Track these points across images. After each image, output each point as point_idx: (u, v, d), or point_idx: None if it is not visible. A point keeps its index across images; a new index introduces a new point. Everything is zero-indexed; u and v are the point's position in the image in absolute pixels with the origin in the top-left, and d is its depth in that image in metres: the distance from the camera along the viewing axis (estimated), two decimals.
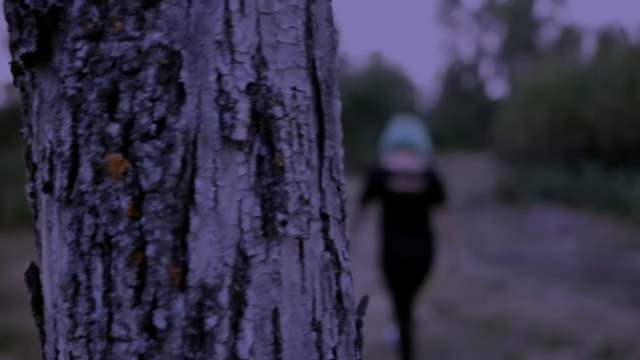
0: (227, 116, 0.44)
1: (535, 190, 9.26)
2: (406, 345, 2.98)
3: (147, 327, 0.43)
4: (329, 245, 0.50)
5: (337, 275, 0.50)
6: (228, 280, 0.44)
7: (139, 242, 0.43)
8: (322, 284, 0.49)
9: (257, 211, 0.45)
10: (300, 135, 0.47)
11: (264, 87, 0.46)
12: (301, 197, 0.47)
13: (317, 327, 0.48)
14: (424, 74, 58.00)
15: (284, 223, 0.45)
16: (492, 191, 10.53)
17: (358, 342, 0.54)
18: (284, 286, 0.46)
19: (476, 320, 4.15)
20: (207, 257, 0.43)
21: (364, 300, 0.55)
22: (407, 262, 2.94)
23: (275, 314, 0.45)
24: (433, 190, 2.91)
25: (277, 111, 0.46)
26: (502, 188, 10.28)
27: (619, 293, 4.82)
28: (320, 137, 0.50)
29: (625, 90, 9.20)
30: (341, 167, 0.53)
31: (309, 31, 0.49)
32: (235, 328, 0.44)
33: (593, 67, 10.48)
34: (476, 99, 21.55)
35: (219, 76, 0.44)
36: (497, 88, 29.38)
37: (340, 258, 0.51)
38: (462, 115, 19.97)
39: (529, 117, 10.79)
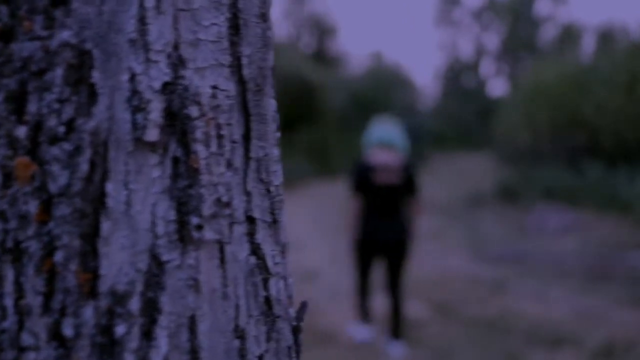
0: (139, 117, 0.42)
1: (536, 189, 9.21)
2: (395, 312, 3.44)
3: (56, 335, 0.41)
4: (256, 250, 0.48)
5: (265, 281, 0.49)
6: (140, 287, 0.42)
7: (48, 248, 0.42)
8: (247, 290, 0.47)
9: (172, 215, 0.44)
10: (220, 136, 0.46)
11: (180, 87, 0.44)
12: (219, 200, 0.45)
13: (240, 334, 0.46)
14: (425, 73, 57.95)
15: (199, 227, 0.44)
16: (493, 190, 10.47)
17: (295, 349, 0.52)
18: (202, 292, 0.44)
19: (477, 320, 4.11)
20: (118, 262, 0.42)
21: (302, 306, 0.53)
22: (384, 244, 3.40)
23: (193, 322, 0.44)
24: (408, 182, 3.36)
25: (194, 111, 0.44)
26: (503, 187, 10.23)
27: (620, 292, 4.78)
28: (247, 138, 0.49)
29: (626, 88, 9.13)
30: (274, 168, 0.51)
31: (235, 28, 0.48)
32: (148, 336, 0.42)
33: (594, 65, 10.40)
34: (477, 98, 21.49)
35: (133, 76, 0.43)
36: (497, 87, 29.32)
37: (270, 262, 0.49)
38: (463, 114, 19.92)
39: (529, 116, 10.73)
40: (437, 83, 24.33)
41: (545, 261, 5.86)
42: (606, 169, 8.60)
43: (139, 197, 0.43)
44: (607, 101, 9.20)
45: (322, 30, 20.51)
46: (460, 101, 21.02)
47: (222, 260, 0.46)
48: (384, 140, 3.33)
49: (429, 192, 12.31)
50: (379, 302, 4.59)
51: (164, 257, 0.43)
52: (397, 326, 3.44)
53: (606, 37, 14.74)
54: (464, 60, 23.78)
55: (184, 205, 0.44)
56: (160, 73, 0.43)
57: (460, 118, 19.88)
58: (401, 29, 55.58)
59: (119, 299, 0.41)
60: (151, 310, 0.42)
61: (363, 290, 3.53)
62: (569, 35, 20.06)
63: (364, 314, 3.57)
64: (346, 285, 5.10)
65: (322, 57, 19.65)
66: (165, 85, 0.44)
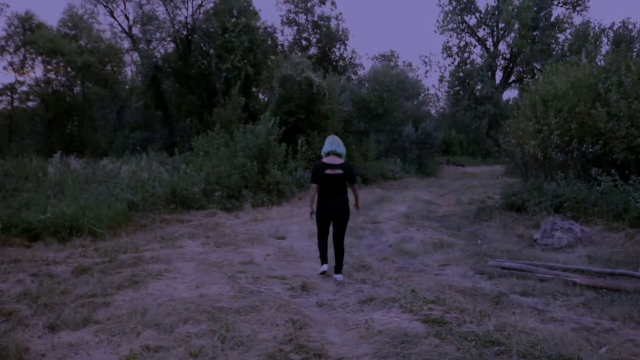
0: None
1: (545, 201, 8.91)
2: (339, 257, 5.76)
3: None
4: None
5: None
6: None
7: None
8: None
9: None
10: None
11: None
12: None
13: None
14: (435, 79, 57.60)
15: None
16: (500, 201, 10.20)
17: None
18: None
19: (472, 336, 3.89)
20: None
21: None
22: (333, 214, 5.69)
23: None
24: (348, 174, 5.70)
25: None
26: (511, 198, 9.94)
27: (627, 309, 4.51)
28: None
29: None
30: None
31: None
32: None
33: (607, 70, 10.06)
34: (487, 105, 21.15)
35: None
36: (509, 94, 28.92)
37: None
38: (472, 122, 19.62)
39: (539, 124, 10.42)
40: (447, 90, 24.08)
41: (551, 275, 5.60)
42: (618, 179, 8.28)
43: None
44: (619, 107, 8.88)
45: (330, 35, 20.42)
46: (469, 109, 20.70)
47: None
48: (332, 150, 5.75)
49: (435, 203, 12.02)
50: (384, 317, 4.37)
51: None
52: (339, 265, 5.74)
53: (620, 42, 14.39)
54: (476, 67, 23.49)
55: None
56: None
57: (469, 126, 19.58)
58: (412, 33, 55.44)
59: None
60: None
61: (323, 244, 5.76)
62: (583, 40, 19.69)
63: (324, 258, 5.73)
64: (342, 297, 4.91)
65: (330, 61, 19.53)
66: None
